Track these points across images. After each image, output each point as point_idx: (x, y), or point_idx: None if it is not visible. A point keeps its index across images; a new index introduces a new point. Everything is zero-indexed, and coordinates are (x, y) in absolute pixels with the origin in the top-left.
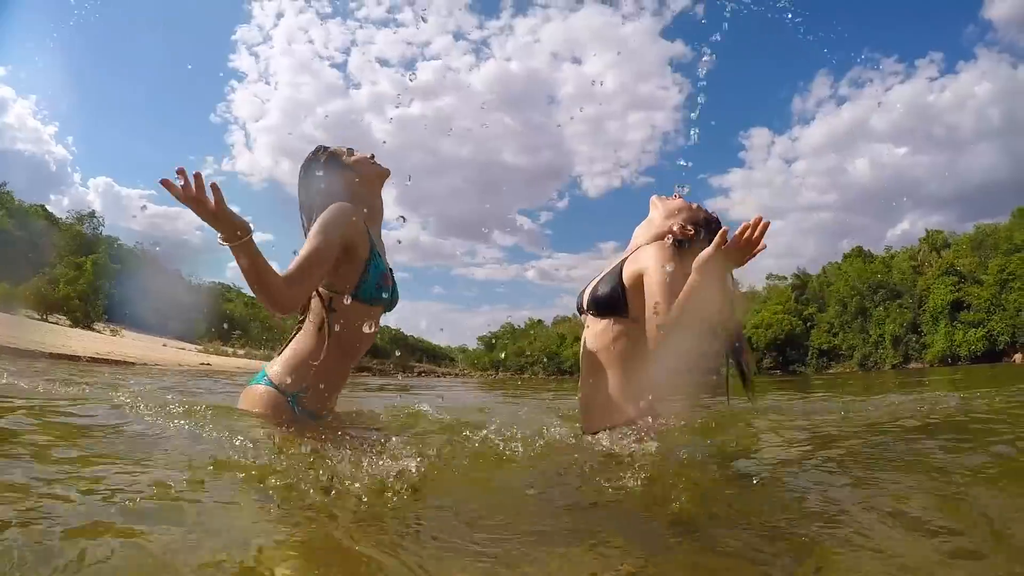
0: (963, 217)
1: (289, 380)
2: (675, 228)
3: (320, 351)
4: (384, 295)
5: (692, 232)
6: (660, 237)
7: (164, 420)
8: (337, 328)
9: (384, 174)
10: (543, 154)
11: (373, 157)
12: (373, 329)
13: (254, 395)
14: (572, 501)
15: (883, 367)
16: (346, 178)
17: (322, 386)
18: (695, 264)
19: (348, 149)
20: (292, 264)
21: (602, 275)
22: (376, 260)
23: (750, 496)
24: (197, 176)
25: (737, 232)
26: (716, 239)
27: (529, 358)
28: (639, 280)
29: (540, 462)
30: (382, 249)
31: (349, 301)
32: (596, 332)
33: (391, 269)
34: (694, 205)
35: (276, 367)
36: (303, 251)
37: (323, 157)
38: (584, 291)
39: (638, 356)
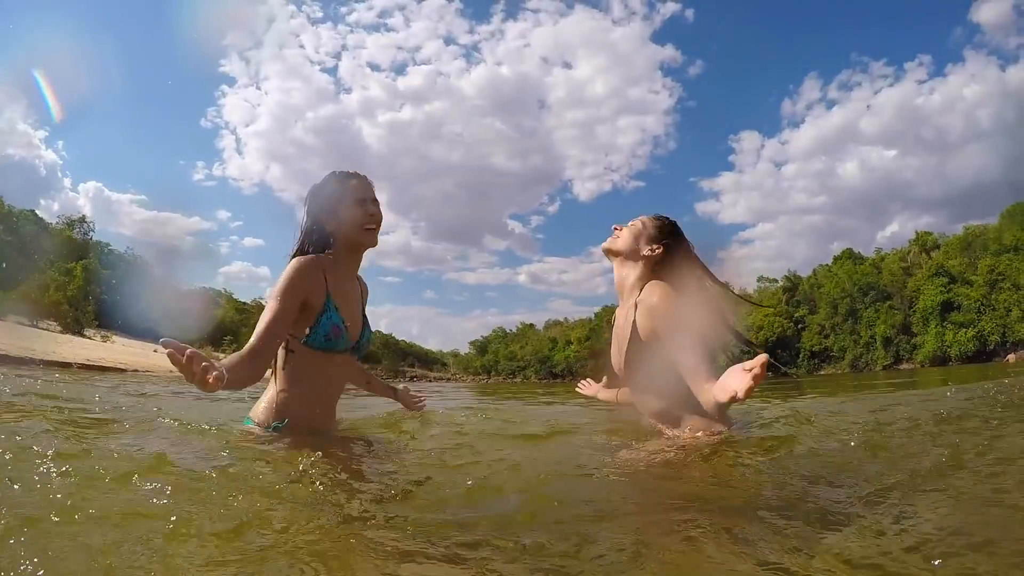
0: (953, 218)
1: (268, 416)
2: (649, 253)
3: (289, 388)
4: (337, 346)
5: (662, 250)
6: (636, 261)
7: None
8: (300, 368)
9: (366, 244)
10: (534, 158)
11: (378, 225)
12: (338, 370)
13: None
14: (609, 508)
15: (874, 368)
16: (332, 225)
17: (300, 418)
18: (716, 392)
19: (360, 200)
20: (253, 336)
21: (622, 342)
22: (330, 312)
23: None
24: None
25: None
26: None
27: (521, 362)
28: (659, 334)
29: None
30: (343, 301)
31: (300, 347)
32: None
33: (366, 316)
34: (642, 220)
35: (256, 408)
36: (261, 322)
37: (328, 189)
38: (613, 362)
39: (681, 383)
